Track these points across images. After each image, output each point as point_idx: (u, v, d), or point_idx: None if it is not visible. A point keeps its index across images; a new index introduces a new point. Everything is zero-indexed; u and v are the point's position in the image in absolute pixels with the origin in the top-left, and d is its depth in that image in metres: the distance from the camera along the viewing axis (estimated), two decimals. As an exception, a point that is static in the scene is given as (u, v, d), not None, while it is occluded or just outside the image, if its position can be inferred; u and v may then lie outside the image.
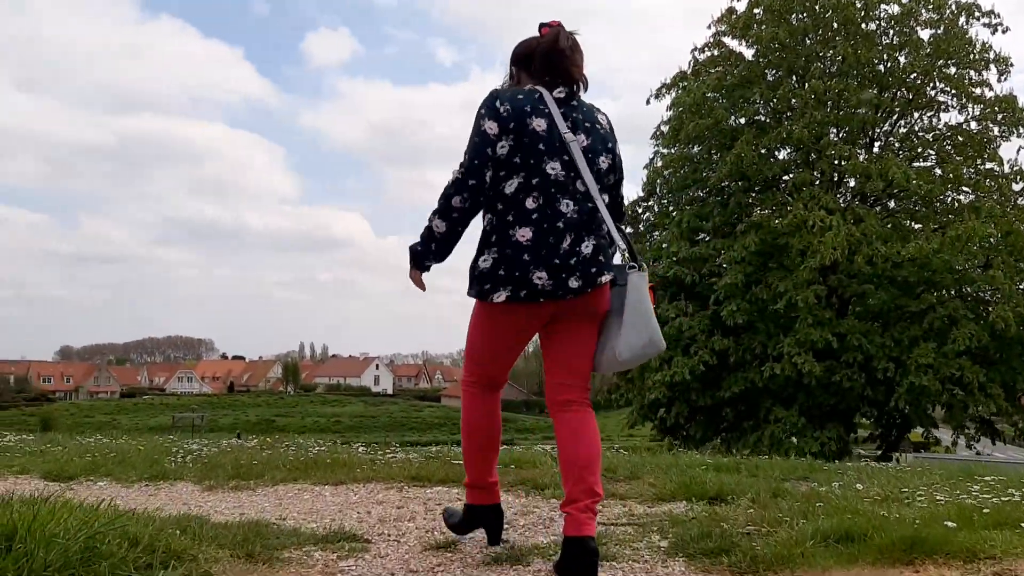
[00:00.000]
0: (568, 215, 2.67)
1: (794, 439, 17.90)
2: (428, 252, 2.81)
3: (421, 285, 2.90)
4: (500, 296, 2.67)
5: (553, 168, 2.68)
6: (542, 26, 2.82)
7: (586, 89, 2.85)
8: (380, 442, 7.01)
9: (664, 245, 20.91)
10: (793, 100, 20.68)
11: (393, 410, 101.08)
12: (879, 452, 22.91)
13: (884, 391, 18.39)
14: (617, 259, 2.80)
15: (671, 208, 22.40)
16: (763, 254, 19.36)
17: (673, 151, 22.19)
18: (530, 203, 2.66)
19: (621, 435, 69.64)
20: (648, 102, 22.84)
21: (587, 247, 2.68)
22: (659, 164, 22.74)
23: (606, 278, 2.72)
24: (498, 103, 2.71)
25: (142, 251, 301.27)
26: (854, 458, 20.92)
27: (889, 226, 19.99)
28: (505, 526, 3.33)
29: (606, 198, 2.80)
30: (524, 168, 2.68)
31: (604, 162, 2.80)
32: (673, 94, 22.40)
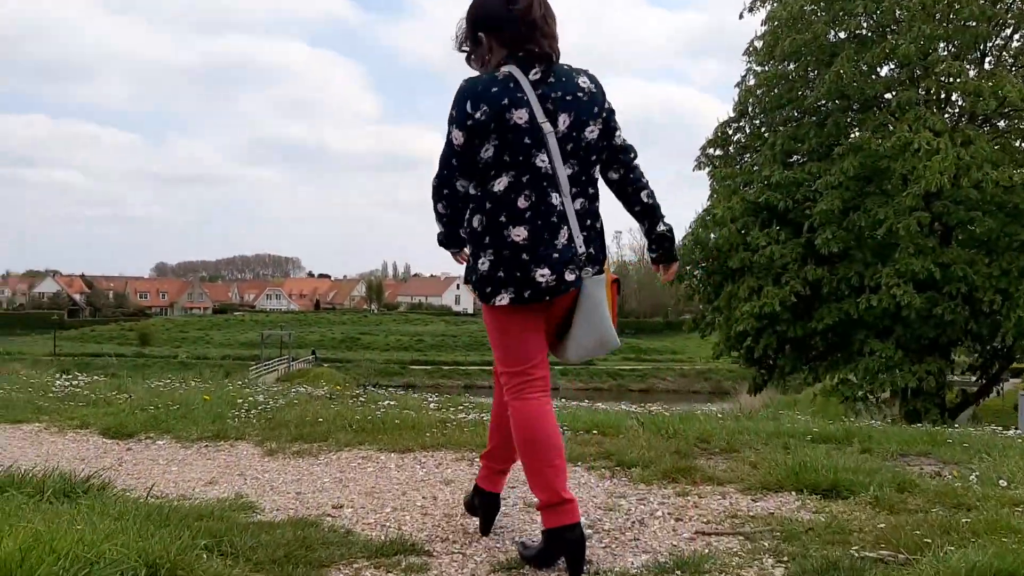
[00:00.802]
0: (558, 208, 2.57)
1: (892, 374, 17.09)
2: (444, 241, 2.86)
3: (462, 260, 2.87)
4: (503, 299, 2.57)
5: (543, 161, 2.57)
6: None
7: (558, 58, 2.66)
8: (449, 394, 6.66)
9: (756, 168, 19.88)
10: (898, 12, 19.10)
11: (473, 329, 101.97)
12: (978, 384, 21.81)
13: (989, 325, 17.31)
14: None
15: (764, 130, 21.23)
16: (862, 179, 18.21)
17: (767, 68, 20.91)
18: (522, 202, 2.55)
19: (703, 358, 68.95)
20: (741, 16, 21.52)
21: (579, 241, 2.59)
22: (751, 83, 21.48)
23: (592, 271, 2.64)
24: (470, 106, 2.56)
25: (229, 171, 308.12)
26: (954, 394, 19.97)
27: (998, 148, 18.56)
28: (587, 531, 2.88)
29: (595, 174, 2.70)
30: (512, 166, 2.56)
31: (590, 132, 2.63)
32: (768, 7, 20.98)
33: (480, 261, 2.61)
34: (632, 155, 2.76)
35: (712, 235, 19.85)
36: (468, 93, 2.58)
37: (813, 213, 17.91)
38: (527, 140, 2.54)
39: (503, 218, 2.55)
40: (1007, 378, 24.82)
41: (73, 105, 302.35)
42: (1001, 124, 19.92)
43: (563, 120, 2.58)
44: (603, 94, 2.70)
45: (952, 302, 17.05)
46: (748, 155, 21.50)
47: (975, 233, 17.78)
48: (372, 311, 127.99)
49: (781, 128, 20.51)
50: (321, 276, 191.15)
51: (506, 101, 2.54)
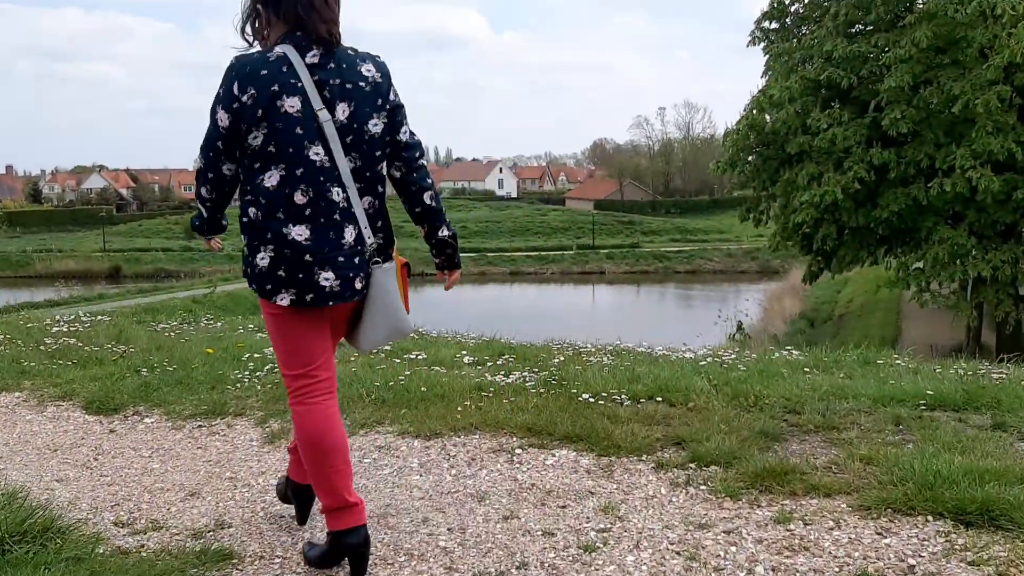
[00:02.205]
0: (341, 204, 2.41)
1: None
2: (201, 227, 2.68)
3: (215, 247, 2.84)
4: (284, 299, 2.40)
5: (317, 153, 2.37)
6: None
7: (338, 43, 2.44)
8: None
9: (815, 43, 18.25)
10: None
11: (518, 214, 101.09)
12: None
13: (1076, 208, 15.97)
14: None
15: (825, -2, 19.44)
16: (935, 50, 16.58)
17: (829, -73, 18.97)
18: (299, 197, 2.36)
19: (750, 237, 67.56)
20: None
21: (369, 240, 2.46)
22: (812, -56, 19.58)
23: (381, 260, 2.51)
24: (237, 87, 2.33)
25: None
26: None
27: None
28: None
29: (381, 170, 2.52)
30: (283, 158, 2.35)
31: (374, 125, 2.46)
32: None
33: (259, 256, 2.39)
34: (417, 153, 2.61)
35: (768, 118, 18.47)
36: (237, 73, 2.34)
37: (880, 90, 16.44)
38: (299, 130, 2.34)
39: (281, 214, 2.35)
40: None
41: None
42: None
43: (342, 110, 2.40)
44: (389, 84, 2.53)
45: (1034, 184, 15.69)
46: (807, 28, 19.77)
47: (1063, 106, 16.23)
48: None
49: (844, -4, 18.75)
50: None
51: (276, 87, 2.32)
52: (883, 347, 20.63)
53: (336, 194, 2.38)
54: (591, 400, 4.05)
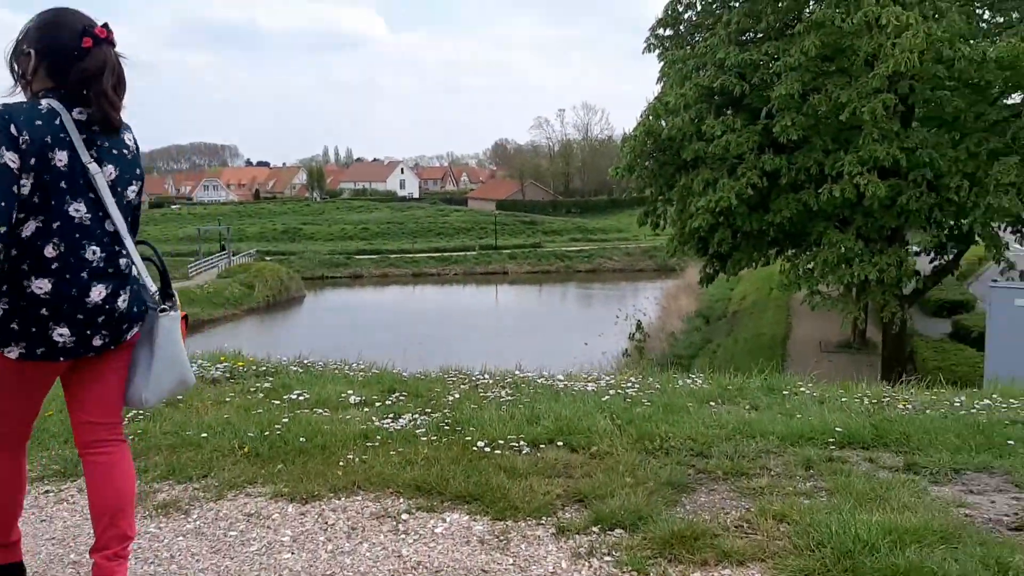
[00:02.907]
0: (94, 263, 2.36)
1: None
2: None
3: None
4: (12, 352, 2.32)
5: (77, 210, 2.33)
6: (88, 30, 2.37)
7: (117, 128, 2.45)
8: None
9: (709, 51, 18.45)
10: None
11: (420, 215, 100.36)
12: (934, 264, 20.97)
13: (954, 213, 16.55)
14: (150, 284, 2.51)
15: (716, 6, 19.70)
16: (824, 59, 16.98)
17: (721, -63, 19.24)
18: (50, 251, 2.30)
19: (647, 236, 68.60)
20: None
21: (122, 300, 2.42)
22: (704, -47, 19.82)
23: (135, 331, 2.50)
24: (14, 130, 2.23)
25: (156, 54, 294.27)
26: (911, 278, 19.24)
27: (966, 19, 17.37)
28: None
29: (137, 233, 2.55)
30: (43, 210, 2.29)
31: (132, 192, 2.51)
32: None
33: None
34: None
35: (664, 124, 18.59)
36: (11, 117, 2.24)
37: (771, 97, 16.71)
38: (63, 184, 2.30)
39: (26, 266, 2.28)
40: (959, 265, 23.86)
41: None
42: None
43: (109, 171, 2.39)
44: (140, 156, 2.58)
45: (917, 189, 16.20)
46: (700, 35, 20.01)
47: (943, 113, 16.79)
48: (314, 199, 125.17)
49: (736, 4, 19.04)
50: (260, 164, 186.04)
51: (49, 139, 2.28)
52: (775, 345, 20.99)
53: (91, 252, 2.34)
54: (487, 449, 3.75)
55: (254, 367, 5.68)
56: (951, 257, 20.29)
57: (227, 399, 4.82)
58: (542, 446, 3.79)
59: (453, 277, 69.22)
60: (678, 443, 3.74)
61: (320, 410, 4.54)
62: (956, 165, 16.06)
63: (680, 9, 20.41)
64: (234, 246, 67.87)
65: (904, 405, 4.45)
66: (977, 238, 17.48)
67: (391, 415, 4.42)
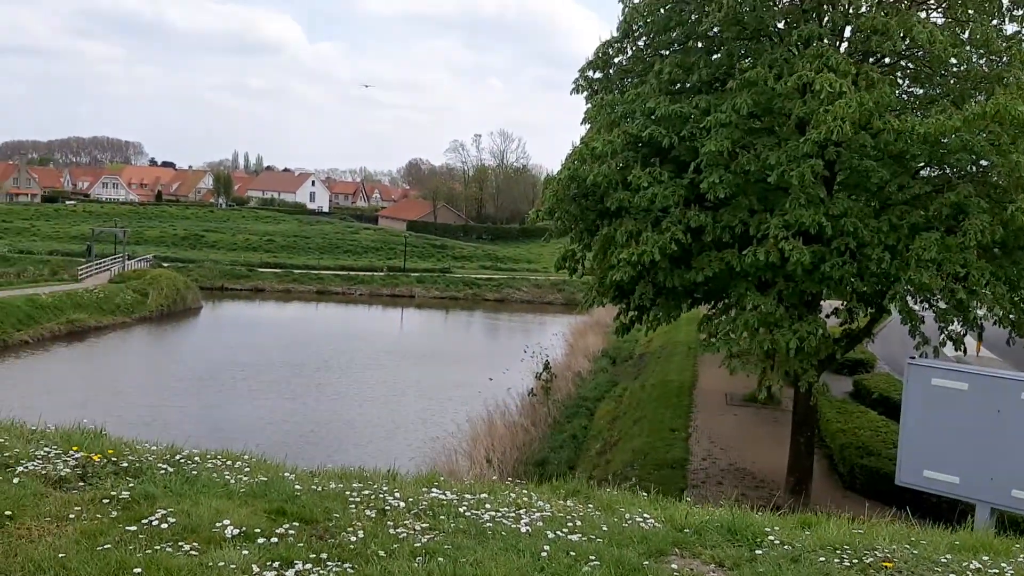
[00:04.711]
0: None
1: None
2: None
3: None
4: None
5: None
6: None
7: None
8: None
9: (639, 98, 18.04)
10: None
11: (328, 230, 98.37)
12: (845, 327, 20.79)
13: (874, 284, 16.45)
14: None
15: (649, 54, 19.36)
16: (754, 116, 16.75)
17: (656, -16, 18.92)
18: None
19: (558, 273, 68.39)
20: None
21: None
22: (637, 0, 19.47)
23: None
24: None
25: (59, 43, 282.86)
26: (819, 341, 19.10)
27: (896, 92, 17.46)
28: None
29: None
30: None
31: None
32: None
33: None
34: None
35: (589, 169, 18.06)
36: None
37: (701, 153, 16.36)
38: None
39: None
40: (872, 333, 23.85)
41: None
42: (903, 66, 18.80)
43: None
44: None
45: (840, 258, 16.03)
46: (631, 80, 19.62)
47: (867, 182, 16.73)
48: (219, 205, 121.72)
49: (668, 54, 18.72)
50: (165, 164, 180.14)
51: None
52: (682, 393, 20.63)
53: None
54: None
55: (113, 460, 4.68)
56: (864, 323, 20.31)
57: (71, 515, 3.84)
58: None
59: (359, 297, 67.73)
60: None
61: (186, 546, 3.61)
62: (879, 236, 15.97)
63: (611, 53, 19.99)
64: (130, 249, 64.89)
65: (891, 568, 3.79)
66: (892, 308, 17.47)
67: (278, 562, 3.52)
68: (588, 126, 19.82)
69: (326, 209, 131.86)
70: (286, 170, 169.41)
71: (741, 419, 25.92)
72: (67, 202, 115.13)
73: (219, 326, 52.22)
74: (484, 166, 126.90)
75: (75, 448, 4.83)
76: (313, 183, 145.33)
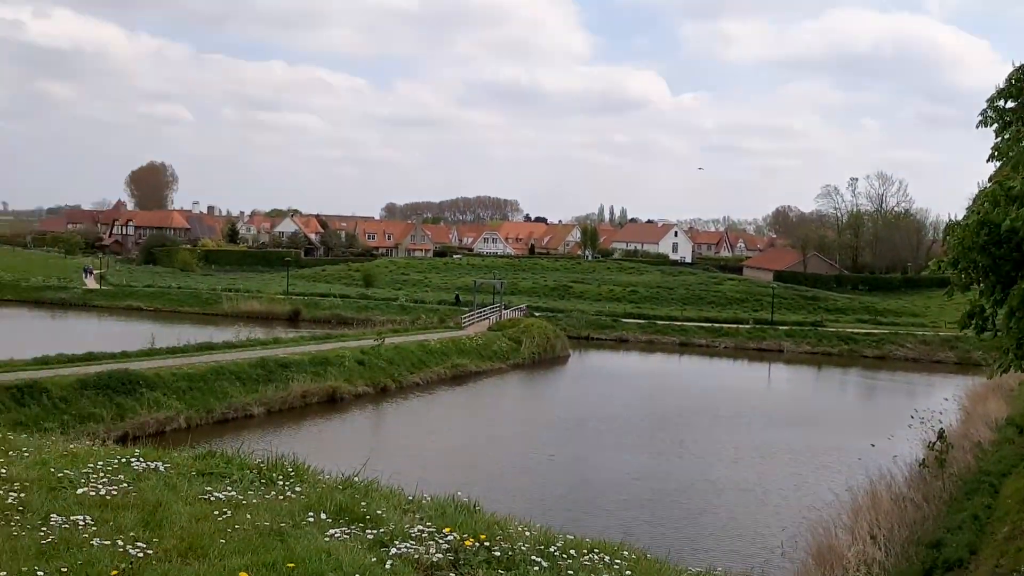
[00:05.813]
0: None
1: None
2: None
3: None
4: None
5: None
6: None
7: None
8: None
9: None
10: None
11: (691, 281, 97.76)
12: None
13: None
14: None
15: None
16: None
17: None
18: None
19: (948, 323, 61.52)
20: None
21: None
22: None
23: None
24: None
25: (449, 112, 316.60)
26: None
27: None
28: None
29: None
30: None
31: None
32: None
33: None
34: None
35: (1003, 212, 15.52)
36: None
37: None
38: None
39: None
40: None
41: (305, 52, 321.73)
42: None
43: None
44: None
45: None
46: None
47: None
48: (586, 257, 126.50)
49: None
50: (537, 220, 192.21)
51: None
52: None
53: None
54: None
55: (486, 546, 4.24)
56: None
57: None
58: None
59: (723, 350, 65.88)
60: None
61: None
62: None
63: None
64: (506, 299, 69.35)
65: None
66: None
67: None
68: (998, 164, 17.19)
69: (689, 259, 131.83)
70: (649, 221, 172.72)
71: None
72: (454, 256, 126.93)
73: (586, 375, 53.57)
74: (859, 212, 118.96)
75: (448, 529, 4.50)
76: (676, 233, 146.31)
